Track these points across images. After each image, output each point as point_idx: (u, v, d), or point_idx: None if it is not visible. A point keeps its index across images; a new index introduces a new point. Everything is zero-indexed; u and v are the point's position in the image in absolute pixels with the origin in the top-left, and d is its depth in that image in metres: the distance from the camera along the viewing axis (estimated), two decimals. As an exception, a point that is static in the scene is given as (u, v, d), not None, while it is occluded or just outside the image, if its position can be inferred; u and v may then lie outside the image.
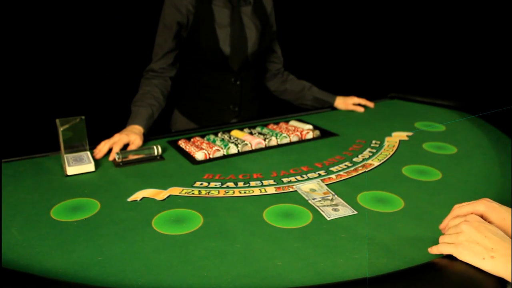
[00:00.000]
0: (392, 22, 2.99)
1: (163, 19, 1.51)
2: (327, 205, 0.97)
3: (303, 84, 1.81)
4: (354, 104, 1.75)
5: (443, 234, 0.77)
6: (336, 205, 0.98)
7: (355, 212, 0.94)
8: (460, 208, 0.79)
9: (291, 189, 1.05)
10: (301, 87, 1.81)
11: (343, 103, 1.77)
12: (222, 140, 1.36)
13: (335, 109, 1.78)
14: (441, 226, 0.82)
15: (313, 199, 1.00)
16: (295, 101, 1.84)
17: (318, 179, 1.11)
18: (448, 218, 0.81)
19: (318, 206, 0.96)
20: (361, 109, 1.74)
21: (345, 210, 0.95)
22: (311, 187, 1.06)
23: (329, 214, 0.93)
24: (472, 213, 0.78)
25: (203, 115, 1.66)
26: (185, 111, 1.69)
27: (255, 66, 1.67)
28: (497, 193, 1.02)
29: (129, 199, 1.00)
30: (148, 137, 1.42)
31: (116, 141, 1.26)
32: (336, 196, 1.01)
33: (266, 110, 1.83)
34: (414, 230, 0.86)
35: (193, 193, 1.03)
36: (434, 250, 0.75)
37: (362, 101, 1.77)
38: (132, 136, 1.29)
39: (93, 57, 2.55)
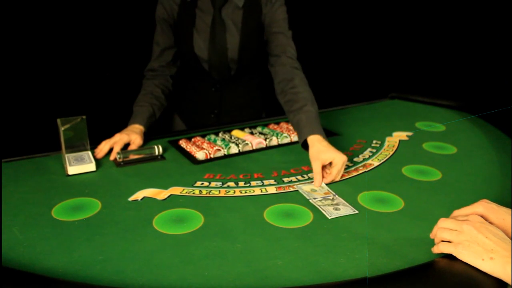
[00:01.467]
0: (392, 22, 2.99)
1: (156, 16, 1.49)
2: (328, 205, 0.98)
3: (292, 104, 1.30)
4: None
5: (441, 221, 0.76)
6: (337, 204, 0.98)
7: (356, 212, 0.94)
8: (459, 212, 0.79)
9: (291, 189, 1.05)
10: (289, 106, 1.31)
11: (315, 155, 1.11)
12: (223, 140, 1.37)
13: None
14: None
15: (314, 198, 1.01)
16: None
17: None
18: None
19: (319, 206, 0.97)
20: (317, 183, 1.07)
21: (346, 210, 0.96)
22: (312, 187, 1.07)
23: (330, 213, 0.94)
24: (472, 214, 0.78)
25: (188, 117, 1.66)
26: (178, 110, 1.70)
27: (242, 75, 1.55)
28: (497, 193, 1.02)
29: (130, 199, 1.00)
30: (149, 137, 1.42)
31: (116, 141, 1.26)
32: (337, 196, 1.02)
33: (266, 110, 1.82)
34: (414, 230, 0.86)
35: (194, 193, 1.03)
36: (435, 249, 0.75)
37: (333, 175, 1.09)
38: (132, 135, 1.29)
39: (93, 57, 2.56)
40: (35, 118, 2.38)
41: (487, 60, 2.64)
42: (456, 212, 0.80)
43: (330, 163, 1.10)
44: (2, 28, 2.25)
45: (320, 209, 0.96)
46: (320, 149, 1.11)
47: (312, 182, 1.09)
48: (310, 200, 1.00)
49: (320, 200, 1.00)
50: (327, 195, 1.02)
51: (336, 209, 0.96)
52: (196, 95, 1.60)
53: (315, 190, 1.05)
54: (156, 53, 1.51)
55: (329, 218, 0.92)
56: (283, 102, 1.35)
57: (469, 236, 0.70)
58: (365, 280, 0.66)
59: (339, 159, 1.08)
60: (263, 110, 1.74)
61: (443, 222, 0.75)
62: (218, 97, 1.59)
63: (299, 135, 1.23)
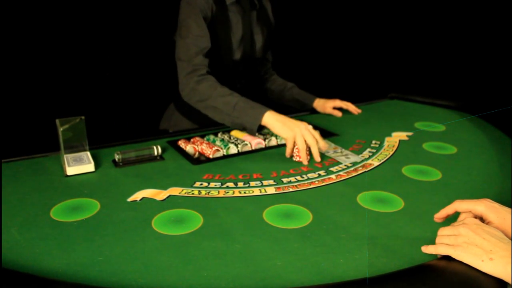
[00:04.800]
0: (391, 22, 2.98)
1: (195, 7, 1.37)
2: (339, 156, 1.24)
3: (285, 85, 1.78)
4: (335, 108, 1.70)
5: (441, 230, 0.77)
6: (346, 155, 1.25)
7: (362, 159, 1.21)
8: (460, 204, 0.80)
9: (291, 189, 1.05)
10: (282, 87, 1.78)
11: (322, 106, 1.71)
12: (222, 140, 1.36)
13: (315, 111, 1.75)
14: (437, 215, 0.84)
15: (327, 152, 1.26)
16: (277, 101, 1.82)
17: (326, 139, 1.35)
18: (446, 210, 0.82)
19: (333, 157, 1.22)
20: (339, 114, 1.68)
21: (354, 158, 1.23)
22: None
23: (344, 161, 1.21)
24: (470, 212, 0.78)
25: (205, 116, 1.65)
26: (186, 113, 1.68)
27: (256, 69, 1.68)
28: (497, 193, 1.02)
29: (129, 199, 1.00)
30: (148, 137, 1.42)
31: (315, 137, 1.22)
32: (344, 149, 1.29)
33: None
34: (414, 230, 0.86)
35: (193, 193, 1.03)
36: (431, 249, 0.74)
37: (344, 104, 1.70)
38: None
39: (93, 57, 2.55)
40: (34, 118, 2.38)
41: (487, 60, 2.64)
42: (458, 202, 0.80)
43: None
44: (2, 28, 2.25)
45: (335, 159, 1.22)
46: (325, 100, 1.72)
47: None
48: (325, 154, 1.25)
49: (333, 154, 1.26)
50: (336, 149, 1.28)
51: (347, 157, 1.23)
52: None
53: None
54: (206, 49, 1.38)
55: (344, 164, 1.18)
56: (275, 85, 1.79)
57: (466, 238, 0.70)
58: (365, 281, 0.66)
59: (338, 101, 1.69)
60: None
61: (441, 231, 0.76)
62: (241, 91, 1.59)
63: (307, 98, 1.74)
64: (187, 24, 1.39)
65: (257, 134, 1.43)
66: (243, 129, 1.30)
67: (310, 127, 1.25)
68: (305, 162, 1.21)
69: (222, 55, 1.50)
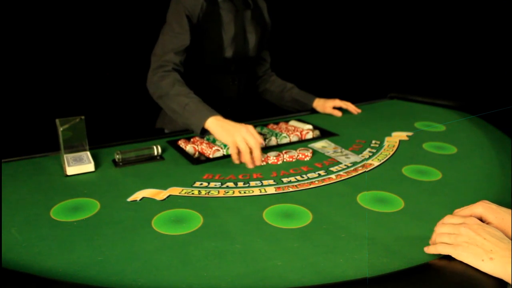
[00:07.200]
0: (391, 22, 2.99)
1: (181, 9, 1.40)
2: (339, 155, 1.23)
3: (284, 85, 1.78)
4: (335, 108, 1.70)
5: (439, 227, 0.77)
6: (346, 154, 1.24)
7: (362, 158, 1.20)
8: (459, 212, 0.79)
9: (291, 189, 1.05)
10: (281, 88, 1.77)
11: (322, 105, 1.71)
12: (222, 140, 1.36)
13: (315, 111, 1.75)
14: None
15: (327, 152, 1.26)
16: (276, 102, 1.82)
17: (326, 139, 1.38)
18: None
19: (333, 157, 1.21)
20: (339, 114, 1.68)
21: (354, 157, 1.23)
22: (323, 145, 1.33)
23: (344, 160, 1.20)
24: (470, 215, 0.78)
25: None
26: None
27: (250, 68, 1.68)
28: (497, 193, 1.02)
29: (129, 199, 1.00)
30: (148, 137, 1.41)
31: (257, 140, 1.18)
32: (343, 149, 1.28)
33: (265, 110, 1.83)
34: (414, 230, 0.86)
35: (193, 193, 1.03)
36: (432, 249, 0.75)
37: (344, 104, 1.70)
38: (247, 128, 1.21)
39: (93, 57, 2.56)
40: (34, 118, 2.38)
41: (487, 60, 2.64)
42: (457, 212, 0.80)
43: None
44: (2, 28, 2.25)
45: (335, 159, 1.21)
46: (324, 100, 1.72)
47: (320, 141, 1.36)
48: (325, 154, 1.25)
49: (332, 153, 1.25)
50: (336, 149, 1.27)
51: (347, 157, 1.22)
52: (213, 91, 1.60)
53: (325, 147, 1.31)
54: (177, 49, 1.40)
55: (344, 164, 1.18)
56: (275, 86, 1.79)
57: (467, 238, 0.70)
58: (364, 281, 0.66)
59: (338, 101, 1.70)
60: None
61: (440, 228, 0.76)
62: (236, 89, 1.63)
63: (307, 98, 1.74)
64: (170, 21, 1.43)
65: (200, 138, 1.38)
66: (192, 131, 1.30)
67: (252, 128, 1.20)
68: (250, 166, 1.18)
69: (212, 52, 1.50)
